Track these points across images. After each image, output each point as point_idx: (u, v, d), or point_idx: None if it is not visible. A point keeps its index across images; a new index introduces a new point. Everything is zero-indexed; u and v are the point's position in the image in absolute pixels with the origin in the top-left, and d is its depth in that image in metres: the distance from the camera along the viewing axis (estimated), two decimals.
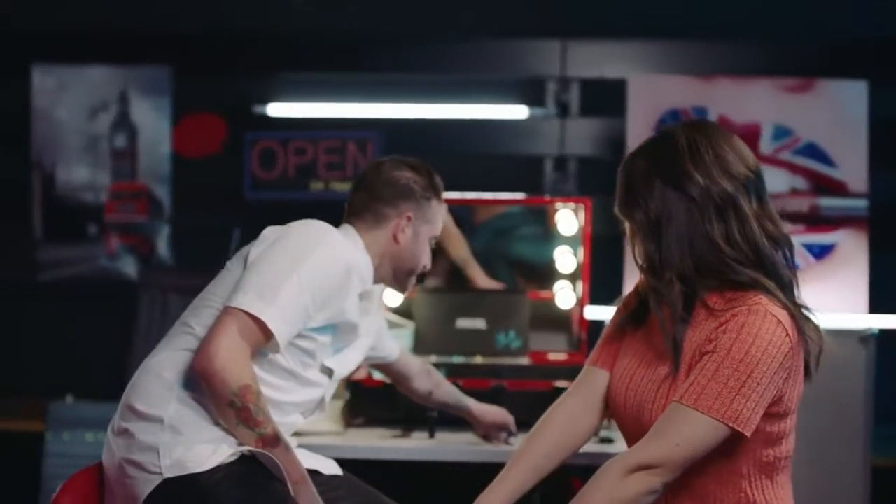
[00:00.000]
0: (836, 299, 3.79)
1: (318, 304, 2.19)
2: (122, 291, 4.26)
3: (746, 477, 1.90)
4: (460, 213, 3.63)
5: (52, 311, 4.30)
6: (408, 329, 3.32)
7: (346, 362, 2.42)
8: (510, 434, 2.80)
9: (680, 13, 4.05)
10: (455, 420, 2.83)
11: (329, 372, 2.34)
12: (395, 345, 2.76)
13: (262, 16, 4.24)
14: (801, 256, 3.84)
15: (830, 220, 3.87)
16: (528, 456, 2.05)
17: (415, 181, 2.48)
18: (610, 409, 2.07)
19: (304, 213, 3.73)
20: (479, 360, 3.25)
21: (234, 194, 4.22)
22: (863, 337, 3.38)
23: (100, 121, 4.32)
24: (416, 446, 2.82)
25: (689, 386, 1.85)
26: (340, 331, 2.32)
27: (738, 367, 1.81)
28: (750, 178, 1.91)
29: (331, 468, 2.36)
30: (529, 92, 4.33)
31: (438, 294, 3.41)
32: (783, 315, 1.85)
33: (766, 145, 3.85)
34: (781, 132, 3.86)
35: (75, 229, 4.37)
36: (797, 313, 1.89)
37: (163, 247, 4.33)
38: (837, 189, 3.88)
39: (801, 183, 3.88)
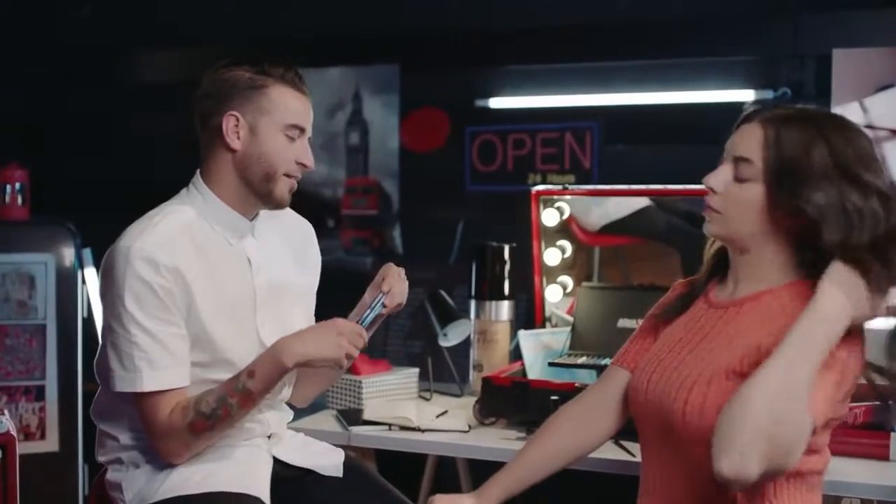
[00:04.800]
0: None
1: (178, 324, 2.04)
2: (356, 283, 4.43)
3: (771, 486, 1.77)
4: (691, 204, 3.46)
5: None
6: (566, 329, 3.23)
7: (283, 328, 2.20)
8: None
9: None
10: None
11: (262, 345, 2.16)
12: None
13: (482, 12, 4.26)
14: None
15: None
16: (526, 458, 2.03)
17: (237, 77, 2.10)
18: (630, 405, 1.97)
19: (519, 205, 3.77)
20: None
21: (456, 187, 4.29)
22: None
23: (336, 119, 4.51)
24: None
25: None
26: (237, 306, 2.16)
27: None
28: None
29: (331, 468, 2.27)
30: (756, 74, 4.02)
31: (602, 291, 3.22)
32: None
33: None
34: None
35: (316, 223, 4.51)
36: None
37: (393, 239, 4.48)
38: None
39: None
